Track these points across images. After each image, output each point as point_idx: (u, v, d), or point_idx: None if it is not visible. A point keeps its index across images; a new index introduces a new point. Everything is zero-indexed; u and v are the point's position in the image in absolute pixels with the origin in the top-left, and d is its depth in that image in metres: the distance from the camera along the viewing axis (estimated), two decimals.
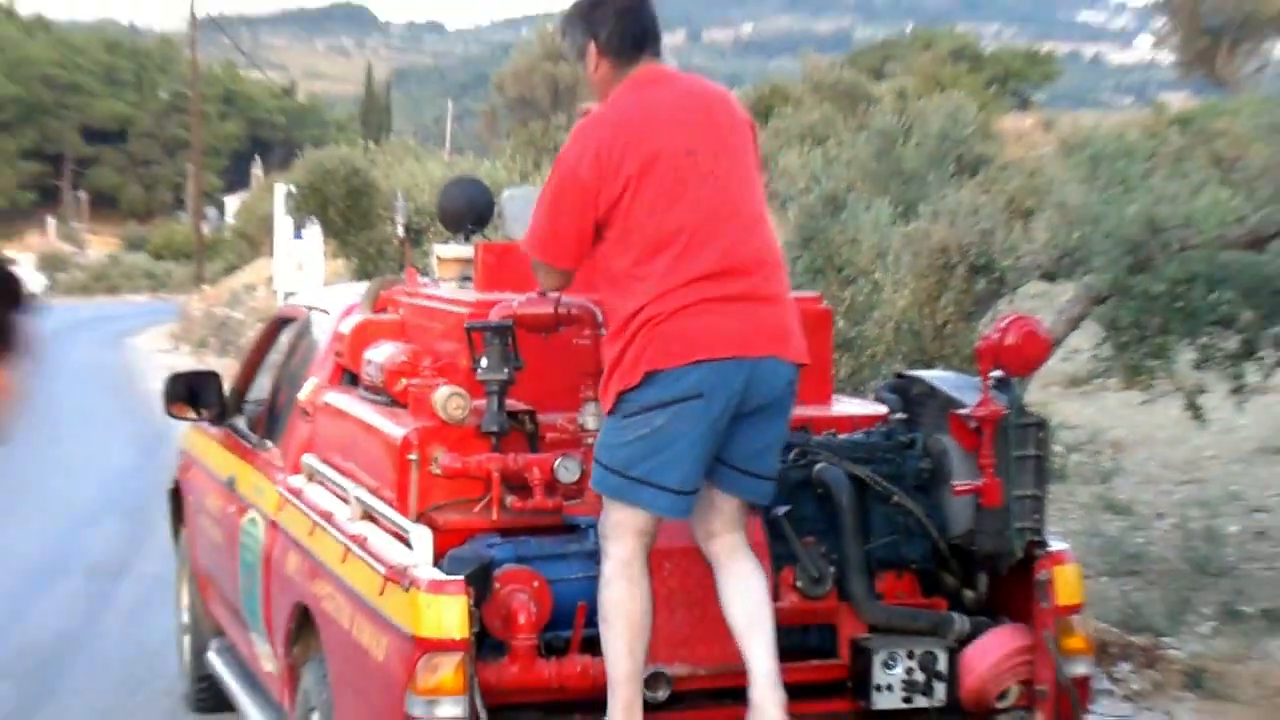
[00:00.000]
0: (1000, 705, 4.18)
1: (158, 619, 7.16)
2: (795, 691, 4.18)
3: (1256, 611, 7.35)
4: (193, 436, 6.56)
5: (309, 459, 4.97)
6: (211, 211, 50.82)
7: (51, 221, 74.89)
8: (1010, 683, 4.21)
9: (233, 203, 53.05)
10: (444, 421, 3.98)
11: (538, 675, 3.78)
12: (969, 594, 4.40)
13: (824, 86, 28.08)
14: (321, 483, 4.81)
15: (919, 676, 4.01)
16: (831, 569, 4.13)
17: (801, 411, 4.45)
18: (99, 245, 66.74)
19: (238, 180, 63.09)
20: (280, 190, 22.78)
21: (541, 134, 28.45)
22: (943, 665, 4.08)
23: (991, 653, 4.12)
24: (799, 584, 4.07)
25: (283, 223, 21.88)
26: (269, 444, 5.59)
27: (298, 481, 5.00)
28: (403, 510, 4.14)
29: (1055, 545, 4.31)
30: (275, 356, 6.17)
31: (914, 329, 7.64)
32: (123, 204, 79.67)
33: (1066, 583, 4.17)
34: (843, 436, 4.42)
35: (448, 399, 3.92)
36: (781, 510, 4.13)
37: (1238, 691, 6.09)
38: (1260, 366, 7.04)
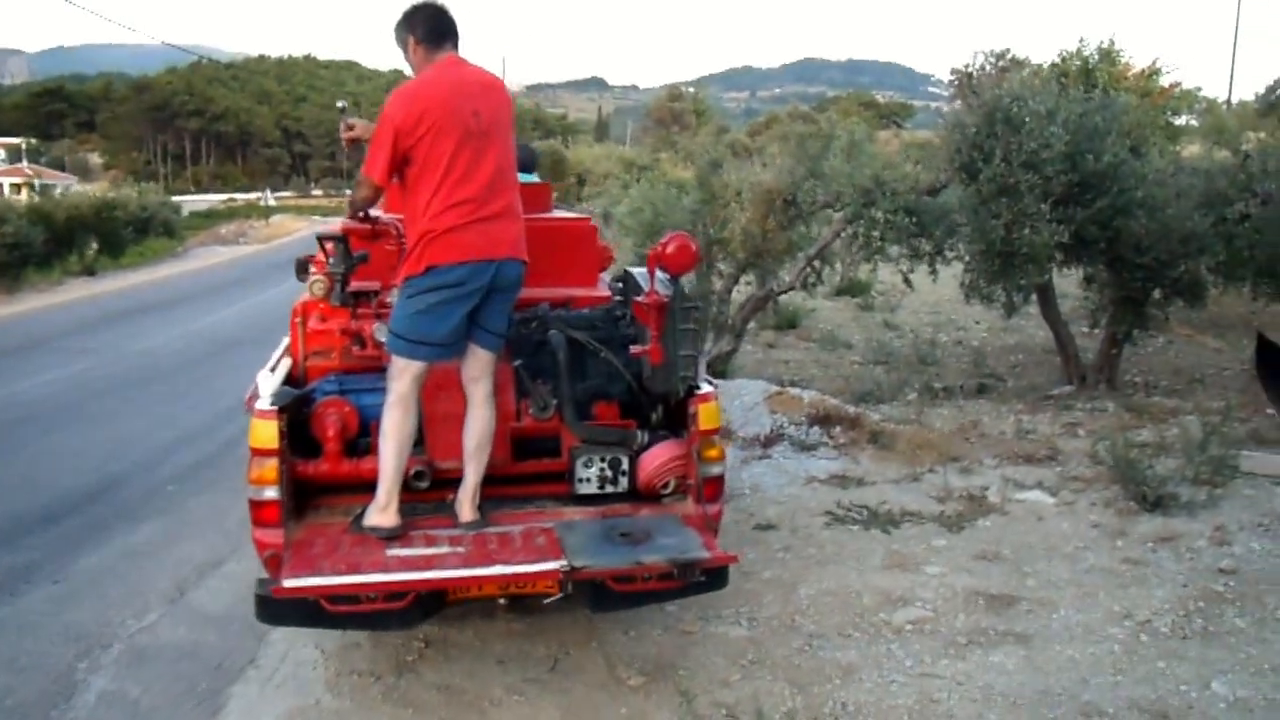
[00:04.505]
0: (664, 493, 3.79)
1: None
2: (535, 478, 3.77)
3: (941, 388, 8.89)
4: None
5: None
6: None
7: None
8: (669, 478, 3.75)
9: None
10: (314, 298, 3.90)
11: (341, 469, 3.61)
12: (652, 418, 3.98)
13: (796, 115, 48.11)
14: None
15: (609, 473, 3.79)
16: (554, 401, 3.78)
17: (567, 291, 4.10)
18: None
19: None
20: None
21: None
22: (625, 466, 3.77)
23: (657, 458, 3.76)
24: (532, 411, 3.77)
25: None
26: None
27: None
28: (295, 356, 3.93)
29: (705, 389, 3.75)
30: None
31: (751, 234, 8.67)
32: None
33: (709, 414, 3.70)
34: (576, 311, 4.05)
35: (313, 283, 3.88)
36: (518, 362, 3.81)
37: (896, 445, 6.67)
38: (944, 259, 8.45)
